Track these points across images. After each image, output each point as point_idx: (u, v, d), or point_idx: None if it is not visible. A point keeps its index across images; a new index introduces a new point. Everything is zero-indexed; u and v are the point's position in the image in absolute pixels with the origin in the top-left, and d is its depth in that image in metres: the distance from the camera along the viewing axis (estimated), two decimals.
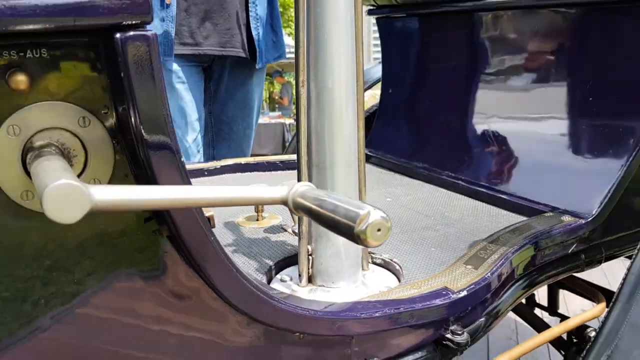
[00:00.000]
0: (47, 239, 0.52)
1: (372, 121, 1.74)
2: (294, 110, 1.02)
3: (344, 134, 0.84)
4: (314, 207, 0.45)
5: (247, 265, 0.93)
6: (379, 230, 0.41)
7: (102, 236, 0.51)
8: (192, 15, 1.76)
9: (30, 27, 0.42)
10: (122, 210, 0.49)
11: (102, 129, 0.52)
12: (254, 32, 1.83)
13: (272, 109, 11.76)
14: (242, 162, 1.55)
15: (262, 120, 7.85)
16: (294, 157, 1.60)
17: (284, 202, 0.48)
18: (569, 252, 1.03)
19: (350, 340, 0.71)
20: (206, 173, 1.50)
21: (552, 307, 1.59)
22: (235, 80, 1.89)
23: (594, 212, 1.03)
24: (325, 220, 0.44)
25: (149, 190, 0.42)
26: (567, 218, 1.04)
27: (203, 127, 1.97)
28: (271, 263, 0.95)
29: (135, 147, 0.51)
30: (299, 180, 0.87)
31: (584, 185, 1.07)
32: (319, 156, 0.84)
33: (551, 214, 1.06)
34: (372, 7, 1.61)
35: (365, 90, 1.92)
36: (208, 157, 2.02)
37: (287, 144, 10.75)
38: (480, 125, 1.33)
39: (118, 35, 0.44)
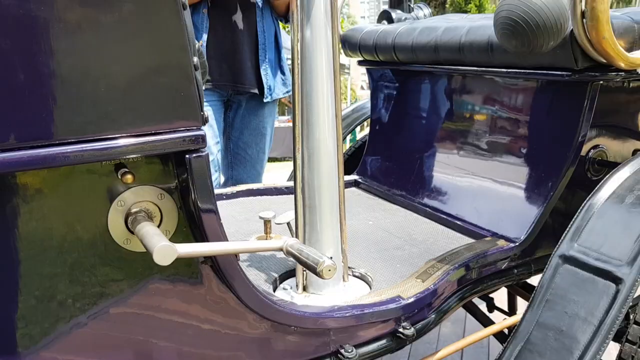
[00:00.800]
0: (138, 268, 0.86)
1: (364, 150, 2.07)
2: None
3: (328, 184, 1.17)
4: (296, 254, 0.79)
5: (258, 277, 1.27)
6: (329, 270, 0.74)
7: (173, 266, 0.85)
8: (211, 58, 2.10)
9: (139, 155, 0.76)
10: (190, 257, 0.83)
11: (172, 201, 0.85)
12: (262, 72, 2.17)
13: (282, 113, 12.11)
14: (254, 188, 1.88)
15: None
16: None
17: (281, 250, 0.82)
18: (502, 268, 1.36)
19: (329, 332, 1.05)
20: (224, 197, 1.83)
21: (511, 311, 1.92)
22: (249, 111, 2.23)
23: (522, 237, 1.36)
24: (302, 262, 0.78)
25: (205, 246, 0.76)
26: (501, 242, 1.36)
27: (223, 150, 2.31)
28: (276, 275, 1.28)
29: (193, 212, 0.84)
30: (296, 213, 1.20)
31: (515, 216, 1.40)
32: (311, 199, 1.18)
33: (490, 238, 1.39)
34: (361, 60, 1.94)
35: (356, 126, 2.26)
36: (228, 177, 2.38)
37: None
38: (443, 162, 1.66)
39: (187, 156, 0.78)
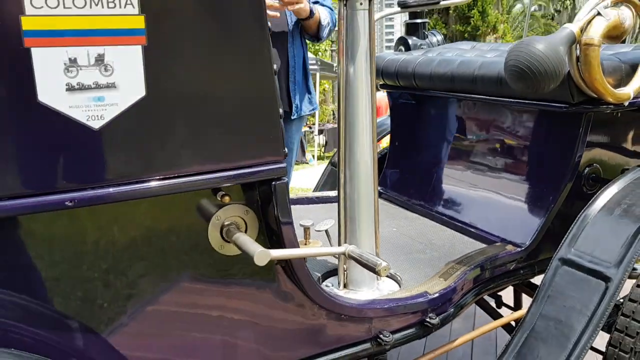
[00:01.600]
0: (231, 268, 1.10)
1: (385, 162, 2.31)
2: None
3: (365, 199, 1.41)
4: (357, 258, 1.03)
5: None
6: (385, 269, 0.98)
7: (257, 266, 1.08)
8: None
9: (240, 182, 1.00)
10: (276, 260, 1.07)
11: (255, 215, 1.09)
12: (291, 93, 2.40)
13: None
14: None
15: None
16: (326, 193, 2.17)
17: (343, 254, 1.06)
18: (511, 269, 1.59)
19: (371, 320, 1.29)
20: None
21: (517, 306, 2.16)
22: None
23: (527, 243, 1.59)
24: (362, 264, 1.02)
25: (289, 251, 1.00)
26: (509, 247, 1.60)
27: None
28: (319, 274, 1.52)
29: (272, 224, 1.08)
30: (339, 223, 1.44)
31: (521, 224, 1.64)
32: (352, 212, 1.41)
33: (500, 243, 1.63)
34: (382, 84, 2.18)
35: (378, 140, 2.49)
36: None
37: (304, 149, 11.41)
38: (456, 177, 1.90)
39: (274, 183, 1.02)
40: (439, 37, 2.46)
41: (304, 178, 7.05)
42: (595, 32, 1.35)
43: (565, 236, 1.45)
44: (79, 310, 0.98)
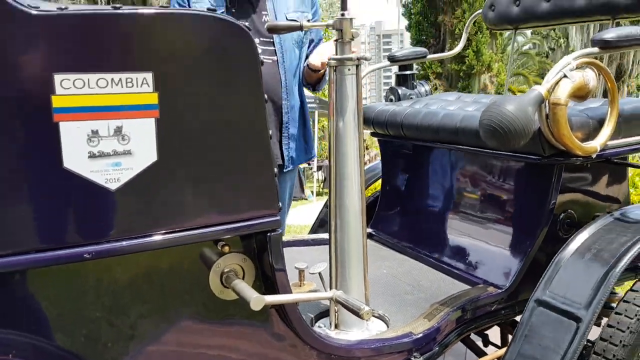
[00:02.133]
0: (228, 311, 1.21)
1: (377, 205, 2.43)
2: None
3: (355, 246, 1.52)
4: (343, 302, 1.14)
5: None
6: (368, 313, 1.09)
7: (251, 309, 1.19)
8: None
9: (238, 234, 1.13)
10: (271, 304, 1.18)
11: (252, 263, 1.21)
12: (284, 147, 2.36)
13: None
14: (285, 240, 2.24)
15: None
16: (321, 236, 2.29)
17: (331, 299, 1.17)
18: (492, 309, 1.70)
19: (359, 359, 1.39)
20: None
21: (503, 345, 2.25)
22: None
23: (507, 285, 1.71)
24: (348, 308, 1.13)
25: (282, 296, 1.12)
26: (491, 288, 1.71)
27: None
28: (312, 315, 1.63)
29: (267, 271, 1.20)
30: (330, 267, 1.55)
31: (502, 267, 1.75)
32: (342, 257, 1.53)
33: (482, 285, 1.74)
34: (373, 132, 2.32)
35: (370, 184, 2.62)
36: None
37: (302, 186, 11.57)
38: (443, 220, 2.02)
39: (269, 234, 1.14)
40: (427, 88, 2.61)
41: (303, 214, 7.14)
42: (562, 93, 1.49)
43: (541, 279, 1.57)
44: (83, 348, 1.08)
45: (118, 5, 0.94)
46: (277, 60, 2.25)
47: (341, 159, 1.52)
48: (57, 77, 0.93)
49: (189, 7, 2.20)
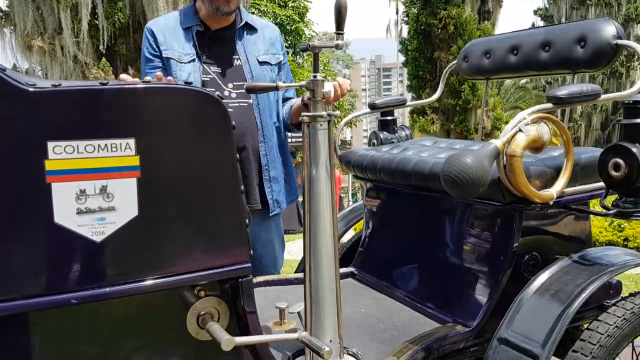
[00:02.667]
0: (204, 351, 1.32)
1: (359, 244, 2.54)
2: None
3: (328, 287, 1.63)
4: (307, 343, 1.25)
5: (277, 355, 1.71)
6: (328, 354, 1.20)
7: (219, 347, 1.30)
8: None
9: (212, 280, 1.24)
10: (241, 345, 1.29)
11: (226, 306, 1.32)
12: (266, 190, 2.35)
13: None
14: (270, 279, 2.34)
15: None
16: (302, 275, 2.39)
17: (298, 340, 1.28)
18: (460, 347, 1.80)
19: None
20: None
21: None
22: (257, 226, 2.39)
23: (474, 323, 1.81)
24: (311, 349, 1.24)
25: (251, 338, 1.23)
26: (459, 327, 1.81)
27: None
28: (290, 353, 1.73)
29: (240, 313, 1.31)
30: (305, 307, 1.66)
31: (470, 306, 1.85)
32: (316, 297, 1.64)
33: (451, 323, 1.84)
34: (355, 175, 2.45)
35: (354, 224, 2.74)
36: None
37: (300, 219, 11.66)
38: (417, 260, 2.13)
39: (240, 279, 1.26)
40: (407, 132, 2.75)
41: (301, 248, 7.18)
42: (517, 146, 1.62)
43: (504, 318, 1.67)
44: None
45: (105, 82, 1.07)
46: (252, 103, 2.26)
47: (315, 205, 1.64)
48: (50, 144, 1.06)
49: (160, 55, 2.20)
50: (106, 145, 1.10)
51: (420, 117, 16.31)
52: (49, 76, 14.02)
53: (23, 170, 1.05)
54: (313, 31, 25.67)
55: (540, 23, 30.73)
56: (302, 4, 20.19)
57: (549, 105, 1.70)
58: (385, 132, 2.69)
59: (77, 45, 13.80)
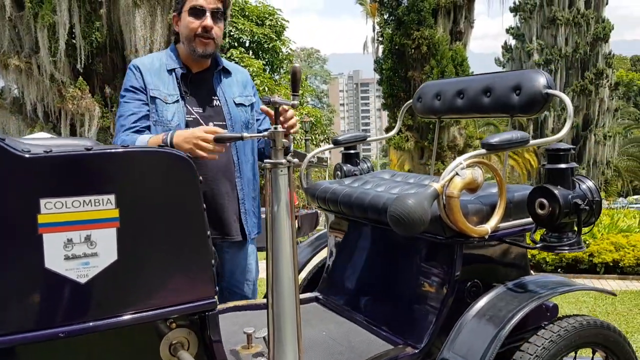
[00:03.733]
0: None
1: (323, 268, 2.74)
2: None
3: (289, 314, 1.82)
4: None
5: None
6: None
7: None
8: None
9: (181, 314, 1.43)
10: None
11: (195, 336, 1.51)
12: (243, 221, 2.48)
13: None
14: (239, 305, 2.53)
15: None
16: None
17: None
18: None
19: None
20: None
21: None
22: (235, 254, 2.56)
23: (422, 345, 2.01)
24: None
25: None
26: (409, 348, 2.02)
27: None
28: None
29: (210, 343, 1.49)
30: (268, 333, 1.85)
31: (419, 330, 2.06)
32: (278, 324, 1.83)
33: (402, 345, 2.05)
34: (319, 207, 2.65)
35: (318, 251, 2.93)
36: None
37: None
38: (374, 286, 2.34)
39: (207, 313, 1.44)
40: (369, 164, 2.98)
41: None
42: (454, 188, 1.84)
43: (447, 339, 1.88)
44: None
45: (90, 146, 1.27)
46: None
47: (276, 241, 1.83)
48: (42, 201, 1.25)
49: (146, 91, 2.31)
50: (90, 200, 1.29)
51: (395, 135, 16.65)
52: (26, 95, 14.06)
53: (19, 224, 1.24)
54: (290, 49, 26.02)
55: (512, 41, 31.59)
56: (279, 23, 20.51)
57: (483, 151, 1.93)
58: (348, 165, 2.91)
59: (53, 64, 13.88)
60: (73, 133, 14.03)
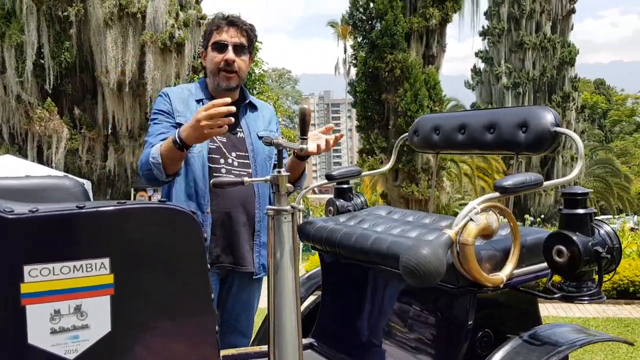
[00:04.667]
0: None
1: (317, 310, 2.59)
2: None
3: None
4: None
5: None
6: None
7: None
8: (214, 243, 2.40)
9: None
10: None
11: None
12: (255, 254, 2.45)
13: None
14: (237, 354, 2.35)
15: None
16: (262, 348, 2.42)
17: None
18: None
19: None
20: None
21: None
22: (241, 287, 2.51)
23: None
24: None
25: None
26: None
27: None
28: None
29: None
30: None
31: None
32: None
33: None
34: (313, 247, 2.51)
35: (312, 292, 2.78)
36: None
37: None
38: (376, 333, 2.20)
39: None
40: (362, 199, 2.86)
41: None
42: (469, 235, 1.72)
43: None
44: None
45: (82, 205, 1.11)
46: (251, 172, 2.43)
47: (279, 291, 1.69)
48: (27, 268, 1.08)
49: (173, 117, 2.38)
50: (81, 265, 1.12)
51: (370, 157, 16.66)
52: None
53: None
54: (263, 70, 25.97)
55: (481, 65, 32.19)
56: None
57: (496, 194, 1.82)
58: (341, 200, 2.78)
59: (20, 84, 13.50)
60: (40, 155, 13.60)
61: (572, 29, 30.64)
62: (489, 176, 24.57)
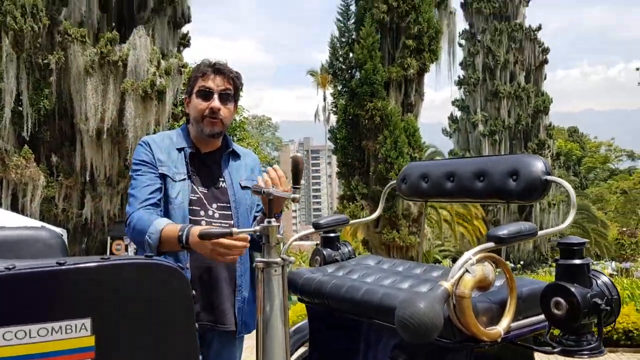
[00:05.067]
0: None
1: None
2: None
3: None
4: None
5: None
6: None
7: None
8: (197, 301, 2.22)
9: None
10: None
11: None
12: (237, 311, 2.32)
13: None
14: None
15: None
16: None
17: None
18: None
19: None
20: None
21: None
22: (222, 345, 2.36)
23: None
24: None
25: None
26: None
27: None
28: None
29: None
30: None
31: None
32: None
33: None
34: (300, 299, 2.42)
35: (300, 345, 2.67)
36: None
37: None
38: None
39: None
40: (350, 248, 2.79)
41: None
42: (465, 287, 1.67)
43: None
44: None
45: (62, 261, 1.03)
46: (233, 223, 2.32)
47: (268, 347, 1.60)
48: (1, 331, 0.99)
49: (156, 167, 2.28)
50: (60, 327, 1.04)
51: (350, 203, 16.63)
52: None
53: None
54: (243, 117, 26.15)
55: (458, 113, 32.82)
56: None
57: (491, 244, 1.78)
58: (328, 249, 2.71)
59: None
60: (15, 203, 13.30)
61: (545, 78, 31.56)
62: (468, 222, 24.67)
